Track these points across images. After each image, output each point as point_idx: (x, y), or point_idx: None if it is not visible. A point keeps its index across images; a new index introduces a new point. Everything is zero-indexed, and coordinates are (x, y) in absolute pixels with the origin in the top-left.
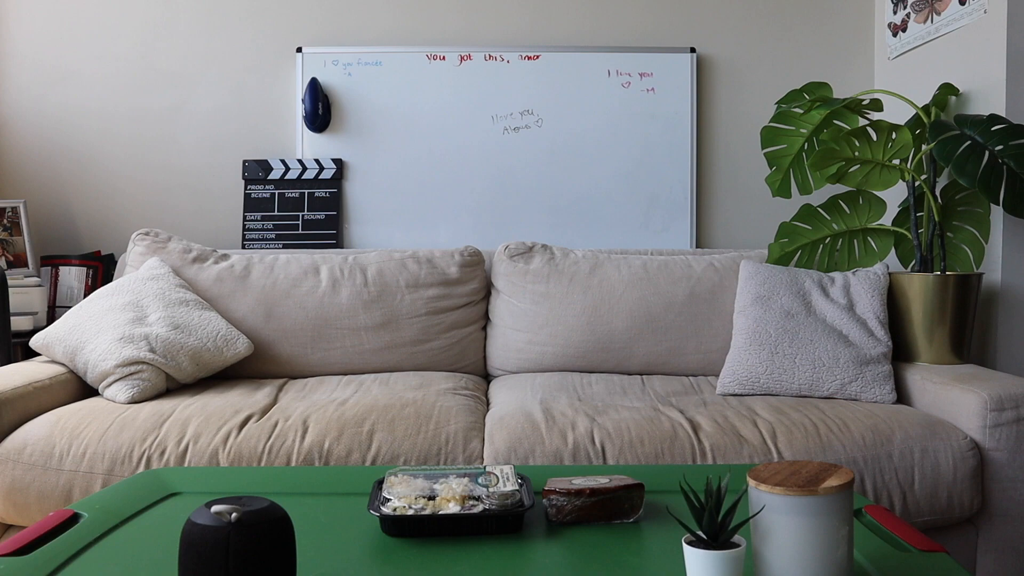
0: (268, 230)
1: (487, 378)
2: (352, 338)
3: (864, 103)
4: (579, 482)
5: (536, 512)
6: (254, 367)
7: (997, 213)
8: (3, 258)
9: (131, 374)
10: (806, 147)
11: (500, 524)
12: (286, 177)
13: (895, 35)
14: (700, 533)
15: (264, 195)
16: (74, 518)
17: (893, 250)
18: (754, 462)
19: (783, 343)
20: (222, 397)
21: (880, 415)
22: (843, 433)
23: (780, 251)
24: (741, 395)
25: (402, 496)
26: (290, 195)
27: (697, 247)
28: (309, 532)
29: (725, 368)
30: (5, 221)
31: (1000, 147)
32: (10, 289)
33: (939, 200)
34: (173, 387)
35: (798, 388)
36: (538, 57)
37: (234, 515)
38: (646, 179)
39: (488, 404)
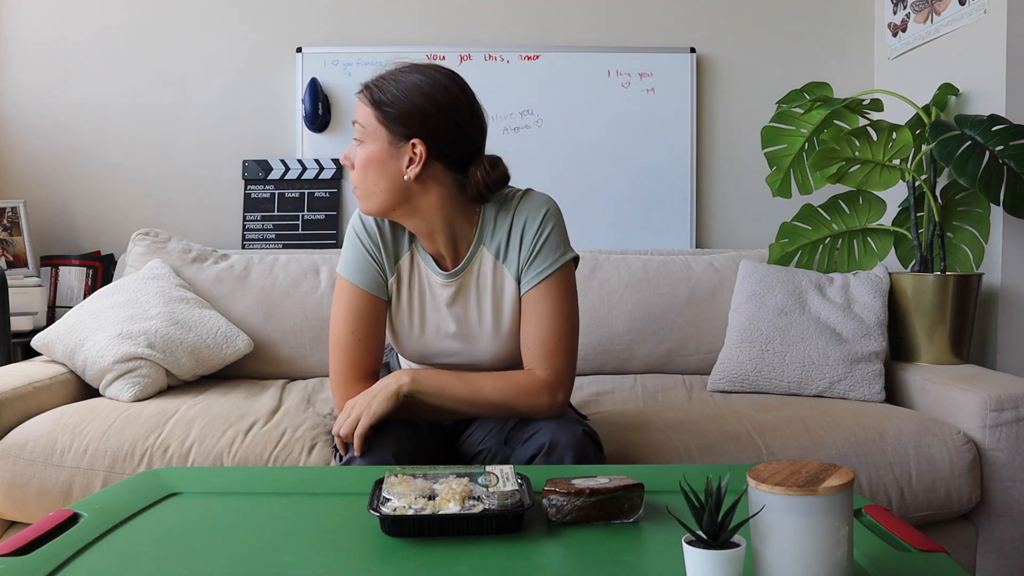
0: (268, 230)
1: None
2: None
3: (864, 103)
4: (579, 482)
5: (536, 512)
6: (254, 367)
7: (997, 213)
8: (3, 258)
9: (130, 371)
10: (806, 147)
11: (500, 524)
12: (286, 177)
13: (895, 35)
14: (700, 533)
15: (264, 195)
16: (74, 518)
17: (893, 250)
18: (743, 459)
19: (774, 340)
20: (226, 398)
21: (870, 412)
22: (834, 429)
23: (781, 251)
24: (729, 392)
25: (402, 496)
26: (290, 195)
27: (697, 247)
28: (309, 532)
29: (716, 365)
30: (5, 221)
31: (1000, 147)
32: (10, 289)
33: (939, 200)
34: (174, 383)
35: (787, 386)
36: (538, 57)
37: None
38: (646, 179)
39: None
